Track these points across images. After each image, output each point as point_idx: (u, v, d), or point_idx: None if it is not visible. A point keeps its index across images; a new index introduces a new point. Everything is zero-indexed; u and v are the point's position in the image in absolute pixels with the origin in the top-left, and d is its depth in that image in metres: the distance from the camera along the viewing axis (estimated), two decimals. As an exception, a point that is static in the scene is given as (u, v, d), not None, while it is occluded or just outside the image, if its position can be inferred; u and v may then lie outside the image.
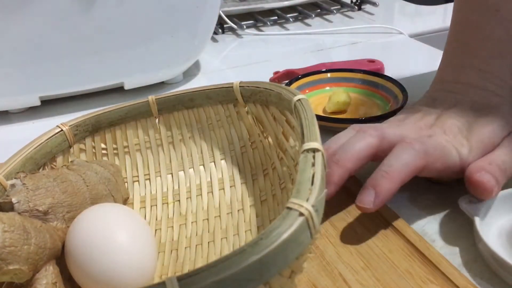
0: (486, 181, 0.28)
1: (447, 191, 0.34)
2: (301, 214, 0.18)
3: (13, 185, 0.25)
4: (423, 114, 0.34)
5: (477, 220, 0.28)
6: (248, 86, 0.31)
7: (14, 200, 0.24)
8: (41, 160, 0.30)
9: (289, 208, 0.18)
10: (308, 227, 0.18)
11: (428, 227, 0.31)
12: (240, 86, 0.32)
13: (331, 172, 0.29)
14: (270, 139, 0.31)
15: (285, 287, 0.19)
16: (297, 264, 0.19)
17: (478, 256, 0.28)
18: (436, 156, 0.30)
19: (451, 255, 0.28)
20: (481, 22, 0.35)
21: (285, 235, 0.17)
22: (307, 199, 0.19)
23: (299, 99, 0.26)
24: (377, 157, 0.31)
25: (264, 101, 0.31)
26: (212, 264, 0.16)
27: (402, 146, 0.30)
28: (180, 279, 0.16)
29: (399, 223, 0.31)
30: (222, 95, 0.33)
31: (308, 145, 0.22)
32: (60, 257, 0.25)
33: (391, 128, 0.32)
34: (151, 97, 0.33)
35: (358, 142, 0.30)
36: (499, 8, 0.35)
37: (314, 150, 0.22)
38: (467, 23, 0.37)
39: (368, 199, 0.28)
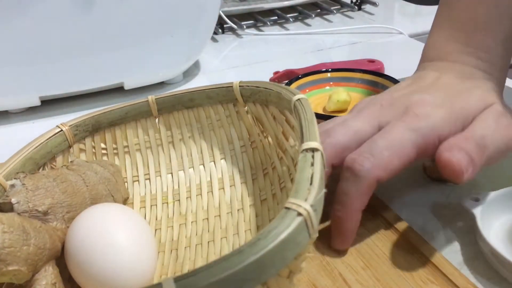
0: (455, 160, 0.25)
1: (447, 190, 0.34)
2: (299, 214, 0.18)
3: (12, 186, 0.25)
4: (392, 91, 0.32)
5: (478, 218, 0.28)
6: (247, 86, 0.31)
7: (13, 200, 0.24)
8: (41, 160, 0.30)
9: (287, 208, 0.18)
10: (307, 227, 0.18)
11: (428, 226, 0.31)
12: (239, 86, 0.32)
13: None
14: (270, 139, 0.31)
15: (283, 287, 0.19)
16: (296, 264, 0.19)
17: (478, 254, 0.28)
18: (386, 159, 0.27)
19: (451, 254, 0.28)
20: None
21: (283, 235, 0.17)
22: (306, 198, 0.19)
23: (298, 99, 0.26)
24: (336, 166, 0.30)
25: (264, 101, 0.31)
26: (210, 264, 0.16)
27: (345, 177, 0.28)
28: (177, 280, 0.16)
29: (399, 223, 0.31)
30: (222, 95, 0.33)
31: (307, 144, 0.22)
32: (60, 258, 0.25)
33: (340, 128, 0.30)
34: (151, 97, 0.33)
35: None
36: None
37: (314, 150, 0.21)
38: None
39: (337, 242, 0.29)
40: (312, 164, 0.21)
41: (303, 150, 0.22)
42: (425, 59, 0.36)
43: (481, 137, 0.27)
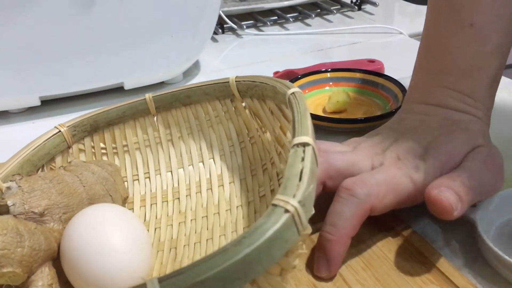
0: (444, 198, 0.26)
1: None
2: (286, 211, 0.18)
3: (8, 188, 0.25)
4: (383, 138, 0.32)
5: (478, 219, 0.28)
6: (243, 81, 0.31)
7: (9, 202, 0.24)
8: (39, 162, 0.30)
9: (275, 205, 0.18)
10: (295, 223, 0.18)
11: (428, 228, 0.31)
12: (236, 81, 0.32)
13: None
14: (268, 134, 0.31)
15: (275, 284, 0.19)
16: (287, 262, 0.19)
17: (478, 256, 0.28)
18: (383, 192, 0.28)
19: (451, 255, 0.28)
20: (453, 36, 0.33)
21: (269, 233, 0.17)
22: (294, 195, 0.18)
23: (292, 92, 0.26)
24: (326, 187, 0.30)
25: (261, 95, 0.31)
26: (194, 264, 0.16)
27: (341, 197, 0.28)
28: (161, 280, 0.16)
29: (399, 224, 0.31)
30: (218, 91, 0.33)
31: (299, 139, 0.21)
32: (57, 259, 0.25)
33: (340, 155, 0.31)
34: (148, 95, 0.33)
35: None
36: (473, 22, 0.32)
37: (305, 145, 0.21)
38: (438, 37, 0.34)
39: (322, 268, 0.27)
40: (303, 159, 0.20)
41: (294, 145, 0.21)
42: (411, 100, 0.36)
43: (467, 177, 0.28)
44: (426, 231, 0.30)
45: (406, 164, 0.29)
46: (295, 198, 0.18)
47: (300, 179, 0.19)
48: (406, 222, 0.31)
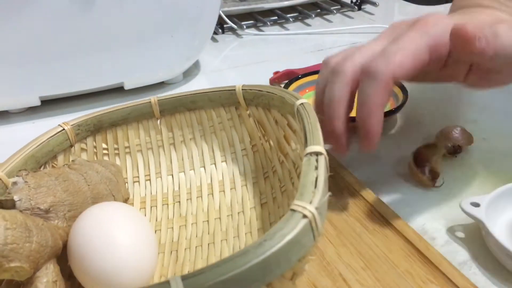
0: (469, 28, 0.26)
1: (447, 190, 0.34)
2: (304, 216, 0.18)
3: (15, 183, 0.25)
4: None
5: (483, 216, 0.28)
6: (250, 89, 0.31)
7: (16, 198, 0.24)
8: (42, 158, 0.30)
9: (293, 210, 0.19)
10: (312, 229, 0.18)
11: (428, 226, 0.31)
12: (242, 89, 0.32)
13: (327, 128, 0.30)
14: (271, 142, 0.31)
15: (287, 288, 0.19)
16: (299, 266, 0.19)
17: (478, 254, 0.28)
18: (400, 58, 0.28)
19: (451, 254, 0.29)
20: None
21: (288, 237, 0.17)
22: (311, 201, 0.19)
23: (302, 103, 0.26)
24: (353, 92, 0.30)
25: (266, 105, 0.31)
26: (216, 264, 0.17)
27: (364, 79, 0.29)
28: (184, 278, 0.16)
29: (399, 223, 0.31)
30: (224, 98, 0.33)
31: (311, 148, 0.22)
32: (61, 256, 0.25)
33: (360, 51, 0.31)
34: (153, 98, 0.33)
35: (334, 92, 0.30)
36: None
37: (317, 154, 0.22)
38: None
39: (364, 143, 0.29)
40: (316, 168, 0.21)
41: (307, 153, 0.22)
42: (452, 10, 0.37)
43: (492, 25, 0.28)
44: (426, 229, 0.31)
45: (426, 21, 0.29)
46: (312, 204, 0.19)
47: (315, 187, 0.20)
48: (405, 221, 0.31)
